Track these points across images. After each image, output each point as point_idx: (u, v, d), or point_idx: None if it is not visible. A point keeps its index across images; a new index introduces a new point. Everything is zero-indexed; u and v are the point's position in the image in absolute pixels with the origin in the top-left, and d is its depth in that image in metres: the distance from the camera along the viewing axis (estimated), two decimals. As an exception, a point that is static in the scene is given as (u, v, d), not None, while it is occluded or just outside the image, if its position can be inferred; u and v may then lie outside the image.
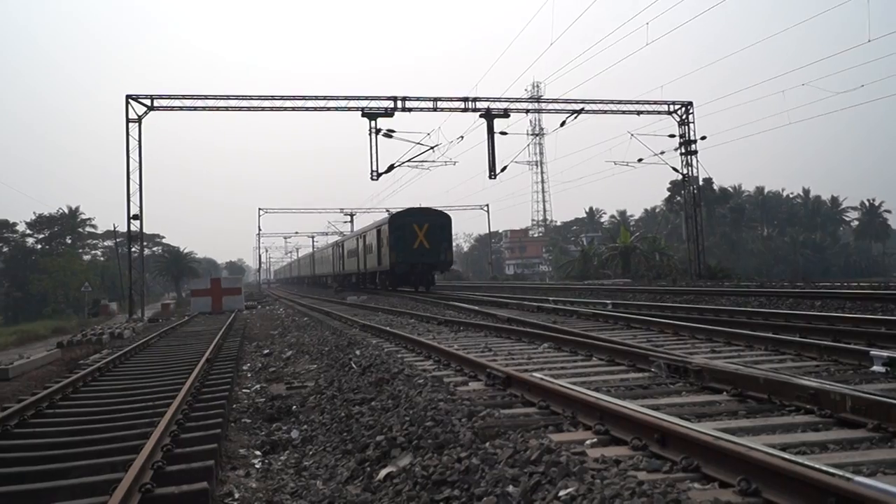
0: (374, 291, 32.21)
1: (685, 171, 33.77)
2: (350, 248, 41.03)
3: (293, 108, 30.23)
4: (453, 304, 18.64)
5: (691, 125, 32.95)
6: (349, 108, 29.88)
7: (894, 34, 20.90)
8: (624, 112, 32.32)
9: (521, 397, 5.70)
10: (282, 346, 14.41)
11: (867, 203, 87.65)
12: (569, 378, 6.21)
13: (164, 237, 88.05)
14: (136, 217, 29.62)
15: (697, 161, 33.34)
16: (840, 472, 2.92)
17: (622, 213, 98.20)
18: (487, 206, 65.86)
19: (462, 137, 30.18)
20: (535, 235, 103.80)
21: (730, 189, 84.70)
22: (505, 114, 30.65)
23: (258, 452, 6.34)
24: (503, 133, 30.88)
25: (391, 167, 30.70)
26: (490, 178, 31.17)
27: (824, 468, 2.99)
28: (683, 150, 33.25)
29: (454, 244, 38.91)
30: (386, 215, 37.28)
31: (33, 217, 69.34)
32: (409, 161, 30.55)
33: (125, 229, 31.02)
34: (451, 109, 30.55)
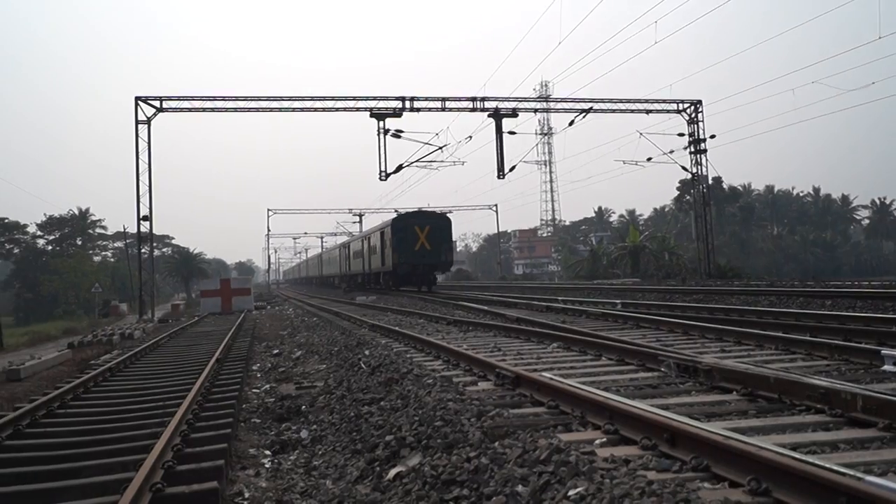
0: (383, 291, 32.32)
1: (694, 170, 33.68)
2: (355, 249, 41.91)
3: (301, 109, 30.35)
4: (462, 305, 18.63)
5: (700, 124, 32.89)
6: (357, 109, 29.96)
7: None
8: (633, 111, 32.30)
9: (530, 397, 5.70)
10: (291, 347, 14.45)
11: (878, 201, 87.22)
12: (578, 378, 6.20)
13: (173, 238, 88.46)
14: (145, 218, 29.79)
15: (707, 160, 33.34)
16: (851, 472, 2.90)
17: (631, 213, 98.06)
18: (496, 205, 65.95)
19: (470, 137, 30.25)
20: (544, 235, 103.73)
21: (739, 188, 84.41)
22: (513, 113, 30.66)
23: (268, 452, 6.36)
24: (511, 133, 30.93)
25: (400, 167, 30.76)
26: (499, 177, 31.22)
27: (835, 468, 2.97)
28: (693, 149, 33.16)
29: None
30: (394, 216, 37.54)
31: (44, 218, 69.90)
32: (417, 161, 30.64)
33: (135, 230, 31.17)
34: (459, 109, 30.59)
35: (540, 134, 76.89)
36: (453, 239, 33.85)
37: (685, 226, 70.12)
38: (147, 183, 29.43)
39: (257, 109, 30.13)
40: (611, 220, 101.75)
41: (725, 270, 34.91)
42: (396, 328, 12.52)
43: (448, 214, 34.13)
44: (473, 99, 30.40)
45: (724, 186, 73.92)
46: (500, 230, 77.56)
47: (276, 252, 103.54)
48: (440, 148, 29.88)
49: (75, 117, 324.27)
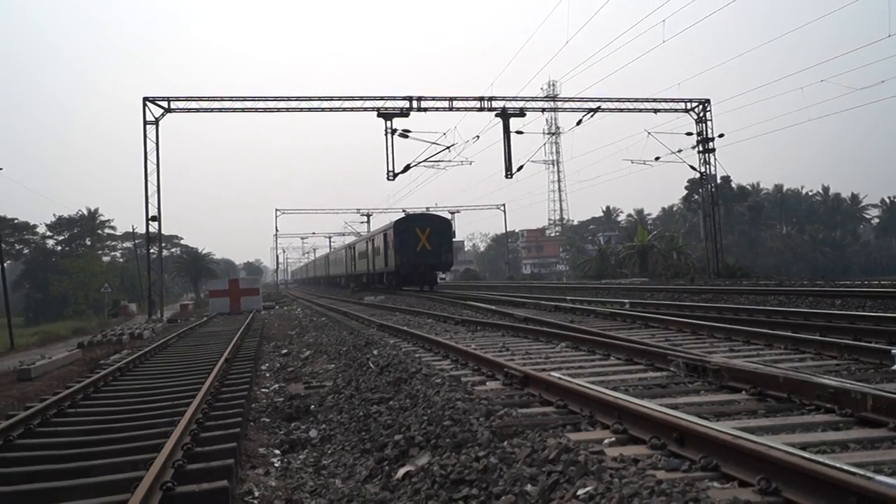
0: (391, 291, 32.43)
1: (703, 169, 33.54)
2: (360, 250, 42.69)
3: (309, 109, 30.37)
4: (470, 304, 18.65)
5: (709, 123, 32.74)
6: (365, 109, 29.98)
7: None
8: (640, 110, 32.18)
9: (538, 396, 5.70)
10: (300, 346, 14.49)
11: (888, 200, 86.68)
12: (587, 377, 6.20)
13: (182, 238, 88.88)
14: (154, 218, 29.91)
15: (715, 159, 33.14)
16: (861, 472, 2.89)
17: (639, 212, 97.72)
18: (504, 205, 65.87)
19: (478, 137, 30.21)
20: (552, 235, 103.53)
21: (748, 187, 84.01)
22: (521, 113, 30.61)
23: (277, 451, 6.38)
24: (519, 132, 30.87)
25: (407, 167, 30.76)
26: (506, 177, 31.13)
27: (845, 467, 2.96)
28: (701, 148, 33.02)
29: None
30: (400, 216, 37.84)
31: (53, 219, 70.34)
32: (424, 161, 30.63)
33: (144, 230, 31.29)
34: (466, 109, 30.57)
35: (548, 133, 77.10)
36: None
37: (693, 225, 69.90)
38: (156, 183, 29.61)
39: (265, 110, 30.19)
40: (619, 219, 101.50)
41: (734, 270, 34.74)
42: (405, 328, 12.53)
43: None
44: (481, 98, 30.37)
45: (733, 185, 73.65)
46: (508, 230, 77.43)
47: (284, 252, 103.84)
48: (448, 147, 29.88)
49: (84, 118, 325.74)
